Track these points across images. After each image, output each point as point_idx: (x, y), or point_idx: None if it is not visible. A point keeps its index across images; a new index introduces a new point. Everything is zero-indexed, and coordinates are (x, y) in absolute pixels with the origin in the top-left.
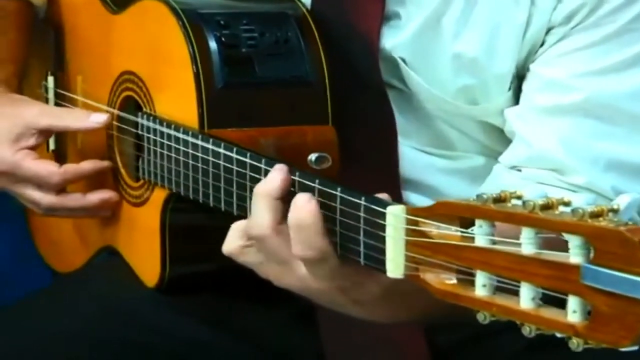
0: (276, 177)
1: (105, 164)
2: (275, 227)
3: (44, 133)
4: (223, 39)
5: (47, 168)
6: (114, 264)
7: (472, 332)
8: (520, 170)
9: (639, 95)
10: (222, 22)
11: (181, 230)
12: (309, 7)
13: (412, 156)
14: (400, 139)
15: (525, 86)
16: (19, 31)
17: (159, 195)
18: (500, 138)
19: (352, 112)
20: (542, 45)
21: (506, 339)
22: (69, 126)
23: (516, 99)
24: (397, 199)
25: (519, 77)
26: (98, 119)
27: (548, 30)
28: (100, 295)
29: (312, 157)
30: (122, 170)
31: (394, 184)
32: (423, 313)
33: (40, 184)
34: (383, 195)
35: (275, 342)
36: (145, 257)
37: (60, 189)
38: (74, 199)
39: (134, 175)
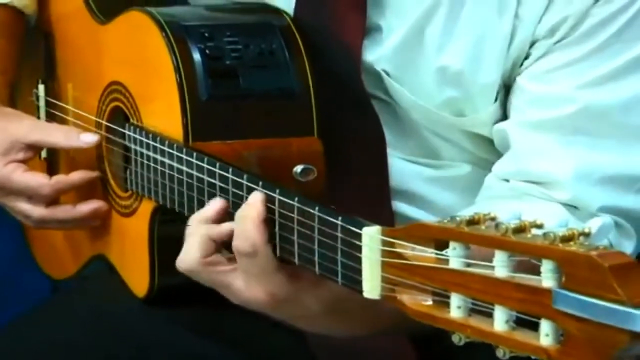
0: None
1: (95, 174)
2: (203, 261)
3: (33, 148)
4: (207, 51)
5: (37, 180)
6: (109, 275)
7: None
8: (508, 181)
9: (628, 106)
10: (206, 34)
11: (169, 241)
12: (292, 15)
13: (399, 166)
14: (388, 149)
15: (513, 100)
16: (9, 41)
17: (147, 207)
18: (488, 146)
19: (339, 123)
20: (526, 58)
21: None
22: (58, 143)
23: (503, 109)
24: (388, 209)
25: (506, 88)
26: (87, 139)
27: (532, 43)
28: (96, 307)
29: (298, 169)
30: (111, 181)
31: (383, 195)
32: (373, 328)
33: (31, 195)
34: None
35: (266, 349)
36: (134, 268)
37: (51, 200)
38: (65, 211)
39: (123, 186)
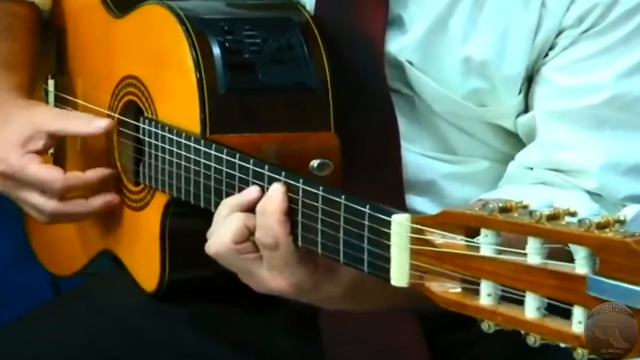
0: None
1: (109, 171)
2: (234, 248)
3: (53, 137)
4: (226, 44)
5: (51, 173)
6: (113, 274)
7: (473, 332)
8: (532, 170)
9: None
10: (225, 28)
11: (181, 235)
12: (312, 12)
13: (415, 161)
14: (403, 144)
15: (538, 90)
16: (30, 35)
17: (159, 200)
18: (509, 139)
19: (355, 118)
20: (552, 48)
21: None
22: (78, 131)
23: (525, 101)
24: (401, 203)
25: (529, 79)
26: (99, 124)
27: (559, 33)
28: (100, 307)
29: (314, 163)
30: (122, 174)
31: (397, 189)
32: (388, 305)
33: (44, 189)
34: None
35: (275, 349)
36: (144, 261)
37: (63, 195)
38: (78, 205)
39: (134, 179)
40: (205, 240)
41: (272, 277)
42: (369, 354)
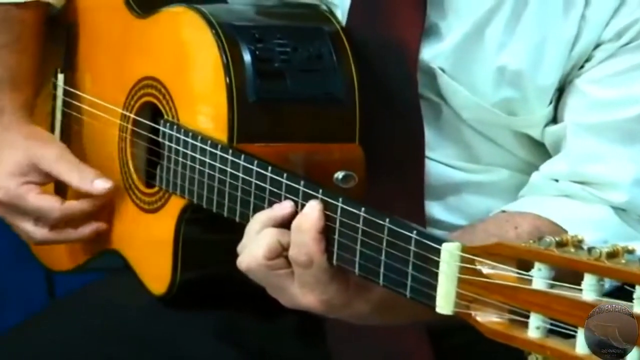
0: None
1: (103, 200)
2: (266, 264)
3: (51, 177)
4: (257, 52)
5: (50, 203)
6: (115, 276)
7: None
8: (557, 181)
9: None
10: (256, 36)
11: (196, 240)
12: (344, 22)
13: (436, 168)
14: (426, 151)
15: (570, 102)
16: (37, 44)
17: (175, 204)
18: (534, 148)
19: (382, 125)
20: (587, 60)
21: None
22: (72, 184)
23: (555, 110)
24: (420, 211)
25: (560, 90)
26: (100, 186)
27: (597, 46)
28: (103, 309)
29: (339, 175)
30: (134, 175)
31: (418, 196)
32: (415, 319)
33: (39, 218)
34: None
35: (280, 353)
36: (154, 264)
37: (57, 224)
38: (67, 234)
39: (146, 181)
40: (218, 246)
41: (302, 293)
42: (374, 357)
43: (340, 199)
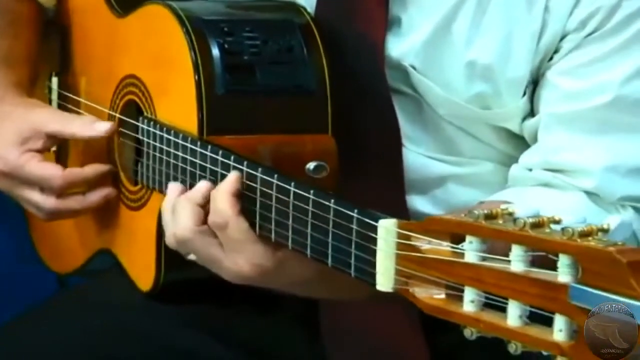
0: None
1: (107, 167)
2: (196, 229)
3: (52, 138)
4: (226, 45)
5: (50, 171)
6: (112, 273)
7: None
8: (531, 170)
9: None
10: (225, 29)
11: None
12: (312, 13)
13: (419, 162)
14: (408, 145)
15: (543, 94)
16: (31, 34)
17: (156, 200)
18: (513, 141)
19: (355, 121)
20: (556, 51)
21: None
22: (75, 133)
23: (531, 103)
24: (402, 206)
25: (534, 82)
26: (101, 127)
27: (563, 37)
28: (100, 307)
29: (310, 165)
30: (121, 173)
31: (398, 190)
32: (355, 294)
33: (43, 186)
34: None
35: (275, 349)
36: (140, 261)
37: (62, 192)
38: (76, 201)
39: (133, 179)
40: None
41: (233, 260)
42: (369, 355)
43: (292, 183)
